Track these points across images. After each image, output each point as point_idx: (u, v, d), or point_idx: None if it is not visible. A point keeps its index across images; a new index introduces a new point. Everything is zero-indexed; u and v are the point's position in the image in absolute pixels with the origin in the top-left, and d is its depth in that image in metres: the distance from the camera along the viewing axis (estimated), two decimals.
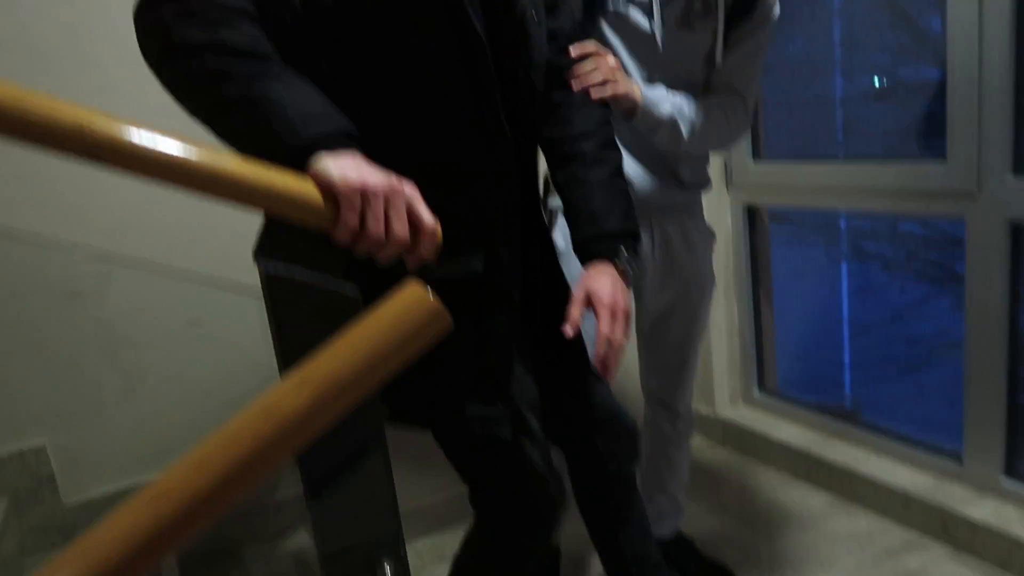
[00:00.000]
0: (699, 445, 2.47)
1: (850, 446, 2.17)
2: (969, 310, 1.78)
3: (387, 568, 0.74)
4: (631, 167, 1.45)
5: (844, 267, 2.56)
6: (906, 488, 1.93)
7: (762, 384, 2.47)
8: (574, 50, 1.21)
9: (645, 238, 1.52)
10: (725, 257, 2.38)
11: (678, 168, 1.50)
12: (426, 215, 0.77)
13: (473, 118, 0.97)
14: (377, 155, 0.78)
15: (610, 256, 1.11)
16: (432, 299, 0.67)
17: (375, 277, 0.75)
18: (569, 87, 1.18)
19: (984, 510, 1.81)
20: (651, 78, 1.42)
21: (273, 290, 0.69)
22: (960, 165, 1.69)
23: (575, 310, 1.08)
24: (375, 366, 0.66)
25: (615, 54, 1.36)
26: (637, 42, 1.39)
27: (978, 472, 1.87)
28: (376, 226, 0.72)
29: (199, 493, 0.61)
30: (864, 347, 2.48)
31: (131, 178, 0.65)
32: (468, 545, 1.27)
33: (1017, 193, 1.63)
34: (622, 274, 1.10)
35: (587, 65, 1.22)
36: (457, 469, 1.16)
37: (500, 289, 1.06)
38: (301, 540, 1.90)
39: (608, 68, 1.24)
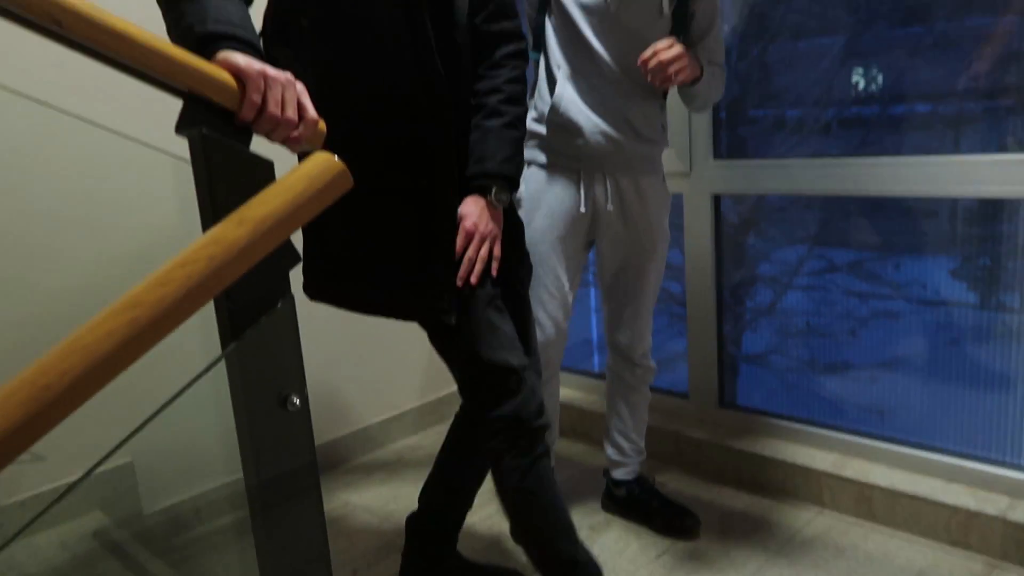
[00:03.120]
0: None
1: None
2: (688, 269, 2.27)
3: (296, 400, 0.88)
4: (591, 122, 1.67)
5: (592, 292, 2.97)
6: (648, 423, 2.36)
7: None
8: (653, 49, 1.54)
9: (599, 191, 1.74)
10: None
11: (632, 120, 1.69)
12: (311, 108, 0.93)
13: (414, 61, 1.25)
14: (342, 87, 1.15)
15: (482, 192, 1.34)
16: (338, 161, 0.85)
17: None
18: (491, 48, 1.41)
19: (704, 432, 2.28)
20: (603, 37, 1.64)
21: (204, 150, 0.81)
22: (678, 153, 2.18)
23: (458, 239, 1.32)
24: (300, 209, 0.82)
25: (571, 18, 1.64)
26: (591, 7, 1.62)
27: (699, 405, 2.35)
28: (275, 107, 0.88)
29: (163, 303, 0.73)
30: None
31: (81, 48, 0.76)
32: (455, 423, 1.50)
33: (716, 172, 2.14)
34: (489, 205, 1.34)
35: (667, 54, 1.53)
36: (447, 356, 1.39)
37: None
38: None
39: (681, 57, 1.55)
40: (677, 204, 2.26)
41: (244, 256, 0.78)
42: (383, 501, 2.19)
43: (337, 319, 2.42)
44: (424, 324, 1.39)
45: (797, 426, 2.15)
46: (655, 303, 1.91)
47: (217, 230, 0.77)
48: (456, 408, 1.65)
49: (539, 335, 1.80)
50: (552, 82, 1.69)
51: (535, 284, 1.77)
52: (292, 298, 0.89)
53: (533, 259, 1.78)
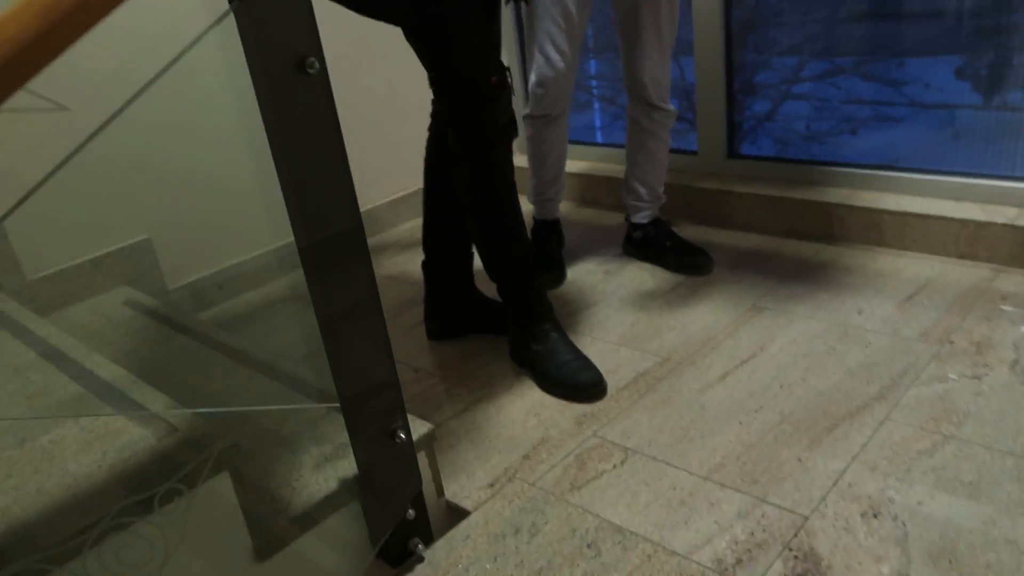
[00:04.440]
0: None
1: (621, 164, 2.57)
2: (696, 19, 2.17)
3: (314, 62, 0.86)
4: None
5: (593, 64, 2.86)
6: None
7: None
8: None
9: None
10: None
11: None
12: None
13: None
14: None
15: None
16: None
17: None
18: None
19: (713, 182, 2.28)
20: None
21: None
22: None
23: None
24: None
25: None
26: None
27: (708, 159, 2.34)
28: None
29: None
30: None
31: None
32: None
33: None
34: None
35: None
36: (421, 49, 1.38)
37: None
38: None
39: None
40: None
41: None
42: (400, 268, 2.24)
43: (342, 103, 2.35)
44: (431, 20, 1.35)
45: (806, 167, 2.15)
46: (673, 44, 1.84)
47: None
48: None
49: (547, 70, 1.75)
50: None
51: (541, 15, 1.70)
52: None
53: None
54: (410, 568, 1.12)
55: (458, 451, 1.39)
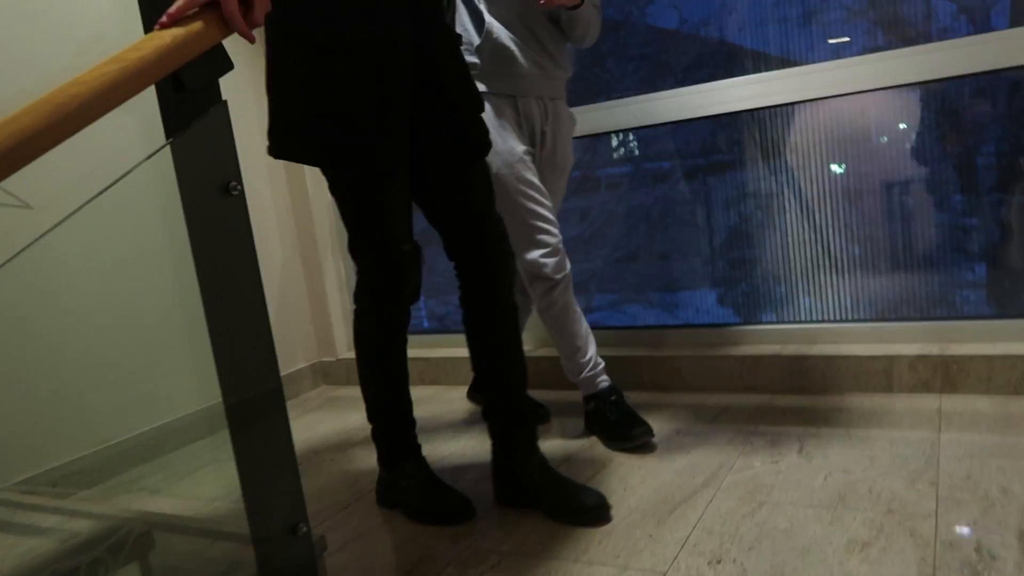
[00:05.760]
0: (324, 392, 2.88)
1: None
2: None
3: (236, 186, 1.04)
4: (519, 52, 1.80)
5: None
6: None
7: None
8: None
9: (536, 114, 1.86)
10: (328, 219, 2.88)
11: (551, 49, 1.86)
12: None
13: None
14: None
15: None
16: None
17: None
18: None
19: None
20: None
21: None
22: None
23: None
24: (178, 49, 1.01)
25: None
26: None
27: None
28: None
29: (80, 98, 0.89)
30: None
31: None
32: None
33: None
34: None
35: None
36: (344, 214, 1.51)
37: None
38: None
39: None
40: None
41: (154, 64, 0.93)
42: None
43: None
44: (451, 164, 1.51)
45: (602, 333, 2.52)
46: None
47: (118, 54, 0.93)
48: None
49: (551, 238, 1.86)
50: (477, 14, 1.81)
51: (535, 207, 1.82)
52: (225, 103, 1.06)
53: (505, 181, 1.80)
54: None
55: None
